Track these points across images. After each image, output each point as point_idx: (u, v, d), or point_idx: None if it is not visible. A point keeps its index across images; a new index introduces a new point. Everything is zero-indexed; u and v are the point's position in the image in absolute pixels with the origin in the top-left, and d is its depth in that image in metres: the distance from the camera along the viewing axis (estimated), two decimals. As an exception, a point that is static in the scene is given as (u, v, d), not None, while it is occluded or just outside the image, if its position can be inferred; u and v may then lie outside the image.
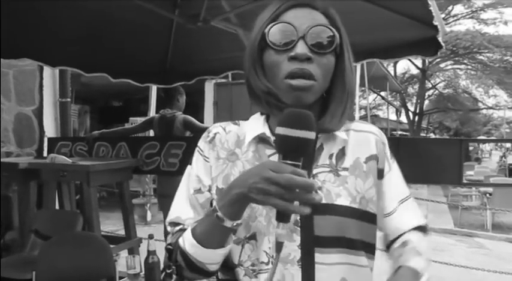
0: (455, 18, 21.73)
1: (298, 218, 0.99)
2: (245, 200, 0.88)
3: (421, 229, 1.14)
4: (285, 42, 0.97)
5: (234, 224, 0.92)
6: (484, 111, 28.92)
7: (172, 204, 1.13)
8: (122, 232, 3.98)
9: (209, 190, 1.08)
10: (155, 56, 3.78)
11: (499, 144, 31.21)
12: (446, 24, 21.28)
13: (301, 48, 0.95)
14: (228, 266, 1.05)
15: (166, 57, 3.77)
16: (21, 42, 2.95)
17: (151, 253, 2.23)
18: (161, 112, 4.31)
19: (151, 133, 4.98)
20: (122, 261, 2.96)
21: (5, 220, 3.90)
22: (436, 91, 24.88)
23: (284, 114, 0.86)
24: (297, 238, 0.99)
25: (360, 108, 13.08)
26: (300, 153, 0.85)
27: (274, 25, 0.99)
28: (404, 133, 23.58)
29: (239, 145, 1.08)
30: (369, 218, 1.05)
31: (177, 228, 1.08)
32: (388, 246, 1.15)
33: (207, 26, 2.82)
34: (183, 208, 1.10)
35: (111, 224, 6.96)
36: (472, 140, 17.39)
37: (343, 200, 1.02)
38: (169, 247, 1.05)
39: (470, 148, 24.26)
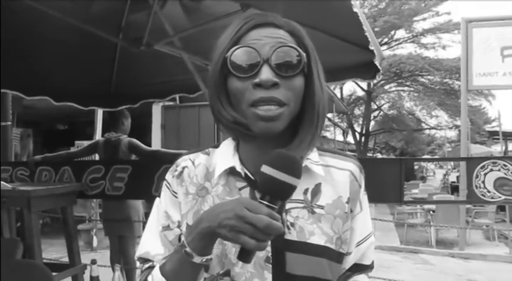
0: (397, 42, 22.63)
1: (270, 254, 0.94)
2: (214, 235, 0.83)
3: (364, 268, 1.10)
4: (248, 69, 0.89)
5: (204, 259, 0.86)
6: (427, 131, 29.92)
7: (142, 237, 1.08)
8: (67, 259, 3.86)
9: (178, 226, 1.03)
10: (99, 79, 3.74)
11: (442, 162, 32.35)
12: (389, 48, 22.18)
13: (265, 74, 0.87)
14: None
15: (110, 80, 3.75)
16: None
17: (94, 279, 2.19)
18: (106, 136, 4.25)
19: (97, 157, 4.88)
20: (65, 289, 2.88)
21: None
22: (381, 112, 25.62)
23: (273, 155, 0.83)
24: (268, 276, 0.94)
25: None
26: (280, 197, 0.82)
27: (235, 50, 0.90)
28: (352, 153, 24.02)
29: (208, 178, 1.02)
30: (339, 258, 1.01)
31: (146, 265, 1.03)
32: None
33: (151, 50, 2.82)
34: (152, 243, 1.05)
35: (55, 251, 6.71)
36: (412, 159, 17.90)
37: (317, 239, 0.96)
38: None
39: (416, 167, 25.02)
